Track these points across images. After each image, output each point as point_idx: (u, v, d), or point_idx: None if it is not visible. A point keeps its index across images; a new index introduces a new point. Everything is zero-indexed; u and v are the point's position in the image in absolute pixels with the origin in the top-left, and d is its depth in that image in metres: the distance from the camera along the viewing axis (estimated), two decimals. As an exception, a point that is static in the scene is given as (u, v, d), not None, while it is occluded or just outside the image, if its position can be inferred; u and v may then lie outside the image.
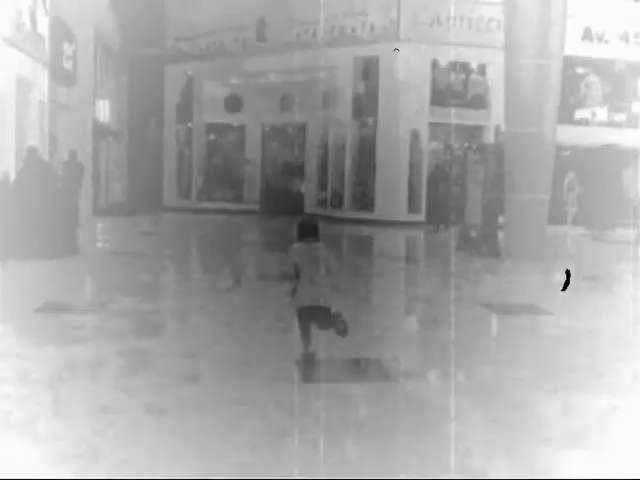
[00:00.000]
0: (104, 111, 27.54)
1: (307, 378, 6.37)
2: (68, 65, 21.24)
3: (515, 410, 5.69)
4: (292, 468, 4.39)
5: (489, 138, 25.34)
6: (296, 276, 6.67)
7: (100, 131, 26.67)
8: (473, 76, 25.63)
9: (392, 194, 24.73)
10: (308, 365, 6.62)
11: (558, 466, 4.69)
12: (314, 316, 6.65)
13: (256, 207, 28.63)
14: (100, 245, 17.19)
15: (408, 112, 24.47)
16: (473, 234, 16.08)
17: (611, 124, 27.12)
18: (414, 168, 24.97)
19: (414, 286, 12.69)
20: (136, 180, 32.50)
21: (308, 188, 28.09)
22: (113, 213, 26.68)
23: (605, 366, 7.02)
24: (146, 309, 9.13)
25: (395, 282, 12.93)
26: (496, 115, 24.96)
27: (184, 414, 5.31)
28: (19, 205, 12.71)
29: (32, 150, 13.82)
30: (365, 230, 23.01)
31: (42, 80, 18.42)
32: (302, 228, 6.78)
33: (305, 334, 6.70)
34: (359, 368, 6.93)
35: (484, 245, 15.55)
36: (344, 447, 4.80)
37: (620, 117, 27.52)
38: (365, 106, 25.42)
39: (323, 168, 27.39)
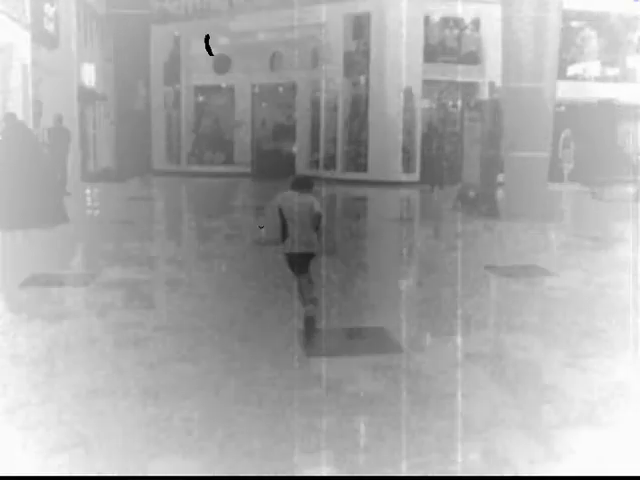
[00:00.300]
0: (89, 75, 26.88)
1: (310, 352, 6.08)
2: (50, 27, 20.56)
3: (529, 383, 5.38)
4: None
5: (484, 95, 24.88)
6: (282, 224, 6.67)
7: (86, 95, 26.03)
8: (467, 32, 25.06)
9: (385, 154, 24.28)
10: (310, 334, 6.51)
11: (574, 443, 4.39)
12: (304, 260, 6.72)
13: (247, 169, 28.13)
14: (89, 213, 16.68)
15: (400, 69, 23.92)
16: (471, 194, 15.70)
17: (605, 79, 26.66)
18: (407, 127, 24.47)
19: (411, 248, 12.33)
20: (124, 144, 31.92)
21: (300, 149, 27.60)
22: (102, 178, 26.18)
23: (614, 329, 6.73)
24: (136, 279, 8.76)
25: (392, 244, 12.58)
26: (490, 71, 24.75)
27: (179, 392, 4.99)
28: (1, 173, 12.24)
29: (10, 116, 13.25)
30: (359, 191, 22.58)
31: (24, 43, 17.79)
32: (297, 183, 6.78)
33: (302, 285, 6.73)
34: (362, 339, 6.63)
35: (483, 205, 15.19)
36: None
37: (614, 71, 27.05)
38: (357, 64, 24.83)
39: (315, 129, 26.86)
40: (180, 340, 6.26)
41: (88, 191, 21.87)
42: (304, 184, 6.75)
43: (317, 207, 6.63)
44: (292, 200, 6.61)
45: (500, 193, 15.37)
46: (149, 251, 11.02)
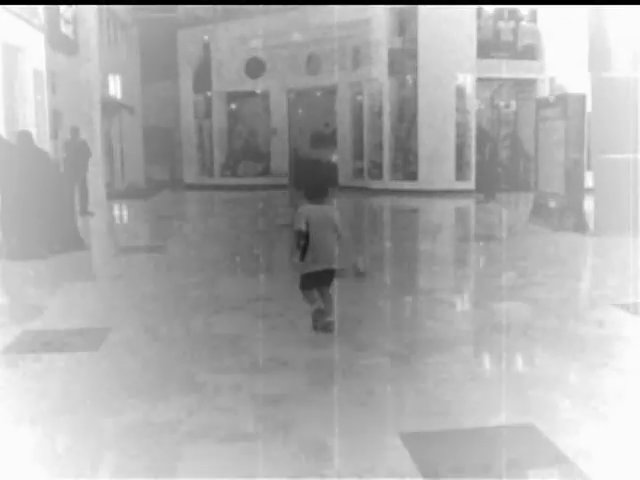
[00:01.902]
0: (114, 84, 25.08)
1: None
2: (67, 30, 18.71)
3: None
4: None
5: (544, 92, 22.60)
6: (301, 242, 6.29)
7: (110, 106, 24.24)
8: (523, 23, 22.78)
9: (437, 160, 22.08)
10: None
11: None
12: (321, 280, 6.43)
13: (285, 181, 26.06)
14: (109, 237, 14.59)
15: (452, 67, 21.74)
16: (552, 204, 13.41)
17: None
18: (460, 130, 22.28)
19: (496, 278, 9.92)
20: (153, 158, 30.22)
21: (342, 158, 25.48)
22: (129, 195, 24.36)
23: None
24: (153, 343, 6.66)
25: (465, 271, 10.34)
26: (550, 66, 22.48)
27: None
28: (9, 198, 10.26)
29: (24, 135, 11.19)
30: (409, 201, 20.45)
31: (36, 47, 15.88)
32: (310, 192, 6.43)
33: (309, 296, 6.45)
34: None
35: (568, 217, 12.90)
36: None
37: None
38: (403, 63, 22.57)
39: (357, 135, 24.76)
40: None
41: (113, 210, 19.96)
42: (319, 192, 6.39)
43: (336, 219, 6.36)
44: (314, 214, 6.27)
45: (587, 203, 13.10)
46: (179, 293, 8.83)
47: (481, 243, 12.31)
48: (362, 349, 5.90)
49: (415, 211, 18.85)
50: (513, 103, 24.92)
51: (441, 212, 18.81)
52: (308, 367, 5.53)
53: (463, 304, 8.01)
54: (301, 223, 6.21)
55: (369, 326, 6.75)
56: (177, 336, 6.43)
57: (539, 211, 14.05)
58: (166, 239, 13.09)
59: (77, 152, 16.42)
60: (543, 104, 14.27)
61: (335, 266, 6.41)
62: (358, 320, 6.92)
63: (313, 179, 6.70)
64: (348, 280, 7.89)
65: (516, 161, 24.14)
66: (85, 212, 17.01)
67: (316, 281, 6.41)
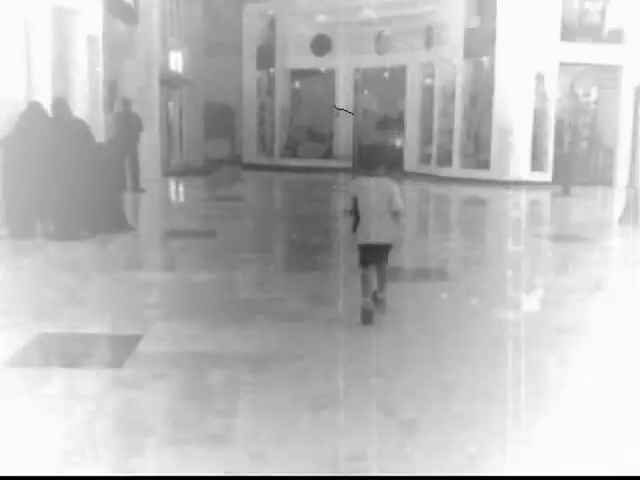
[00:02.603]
0: (175, 57, 24.19)
1: None
2: (128, -2, 17.80)
3: None
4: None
5: (631, 80, 20.98)
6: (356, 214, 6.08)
7: (171, 80, 23.34)
8: (612, 4, 21.10)
9: (512, 149, 20.62)
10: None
11: None
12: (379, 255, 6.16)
13: (348, 164, 24.84)
14: (160, 218, 13.51)
15: (533, 50, 20.24)
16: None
17: None
18: (539, 118, 20.79)
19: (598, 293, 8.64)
20: (213, 135, 29.31)
21: (409, 143, 24.19)
22: (187, 172, 23.49)
23: None
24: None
25: (556, 278, 9.05)
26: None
27: None
28: (44, 175, 9.30)
29: (59, 104, 10.15)
30: (479, 192, 19.13)
31: (93, 12, 14.92)
32: (365, 162, 6.44)
33: (366, 281, 6.09)
34: None
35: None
36: None
37: None
38: (479, 44, 21.10)
39: (427, 119, 23.41)
40: None
41: (168, 188, 19.07)
42: (374, 163, 6.11)
43: (397, 197, 5.98)
44: (367, 186, 6.03)
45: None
46: (228, 286, 7.74)
47: (569, 244, 10.96)
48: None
49: (486, 203, 17.55)
50: (594, 91, 23.30)
51: (516, 205, 17.41)
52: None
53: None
54: (353, 191, 6.11)
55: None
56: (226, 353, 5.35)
57: (632, 210, 12.63)
58: (219, 223, 12.04)
59: (128, 125, 15.51)
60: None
61: (390, 241, 6.14)
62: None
63: (369, 150, 6.61)
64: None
65: (595, 154, 22.57)
66: (137, 188, 16.15)
67: (369, 255, 6.10)
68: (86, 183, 9.41)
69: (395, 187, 6.02)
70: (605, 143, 22.48)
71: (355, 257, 6.16)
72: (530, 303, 6.99)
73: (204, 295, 7.03)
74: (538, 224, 13.95)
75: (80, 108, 13.00)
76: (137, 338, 5.39)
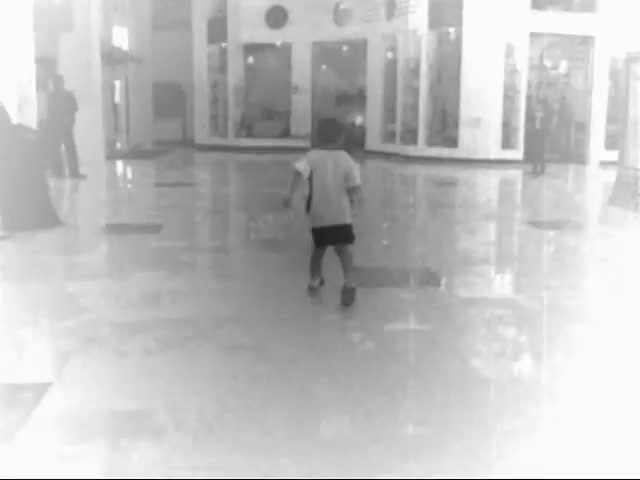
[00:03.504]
0: (119, 32, 22.48)
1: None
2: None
3: None
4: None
5: (598, 53, 19.93)
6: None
7: (116, 57, 21.67)
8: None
9: (481, 126, 19.40)
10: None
11: None
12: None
13: (306, 143, 23.38)
14: (96, 211, 11.78)
15: (502, 19, 18.99)
16: (644, 182, 10.83)
17: None
18: (509, 92, 19.58)
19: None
20: (163, 115, 27.68)
21: (371, 119, 22.85)
22: (134, 155, 21.89)
23: None
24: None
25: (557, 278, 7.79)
26: (610, 22, 19.61)
27: None
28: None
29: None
30: (447, 171, 17.91)
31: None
32: (320, 135, 5.66)
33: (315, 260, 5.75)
34: None
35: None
36: None
37: None
38: (446, 13, 19.76)
39: (390, 95, 22.02)
40: None
41: (111, 173, 17.49)
42: (328, 135, 5.56)
43: (355, 172, 5.46)
44: (322, 159, 5.47)
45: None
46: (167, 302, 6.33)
47: (564, 232, 9.70)
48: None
49: (457, 183, 16.28)
50: (563, 64, 22.16)
51: (491, 186, 16.24)
52: None
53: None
54: (300, 162, 5.44)
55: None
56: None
57: (624, 191, 11.45)
58: (165, 214, 10.56)
59: (61, 105, 13.92)
60: (636, 59, 11.57)
61: (347, 221, 5.59)
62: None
63: (325, 123, 5.89)
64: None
65: (566, 129, 21.46)
66: (75, 174, 14.61)
67: (324, 239, 5.65)
68: (2, 172, 7.88)
69: (352, 162, 5.52)
70: (576, 118, 21.42)
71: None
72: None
73: (131, 318, 5.59)
74: (520, 208, 12.71)
75: (9, 89, 11.47)
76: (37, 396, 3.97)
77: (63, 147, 14.37)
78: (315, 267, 5.79)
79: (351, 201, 5.54)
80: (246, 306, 5.83)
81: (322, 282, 5.94)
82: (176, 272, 6.86)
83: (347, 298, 5.61)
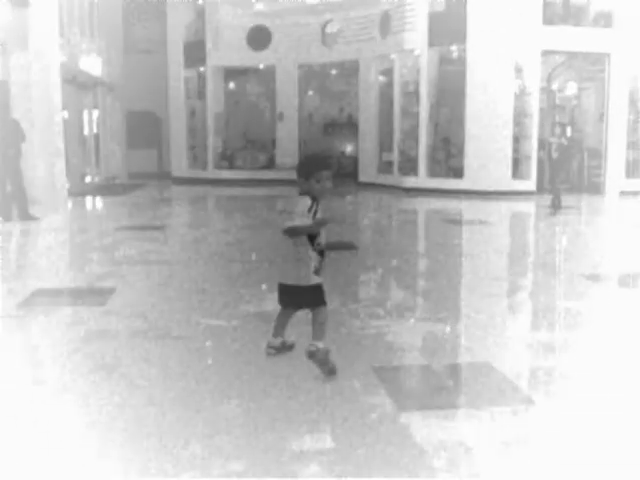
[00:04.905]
0: (87, 55, 20.54)
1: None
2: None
3: None
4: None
5: (615, 71, 18.06)
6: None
7: (82, 81, 19.68)
8: (600, -18, 18.13)
9: (489, 154, 17.45)
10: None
11: None
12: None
13: (293, 176, 21.30)
14: (30, 272, 9.23)
15: (511, 37, 17.13)
16: None
17: None
18: (519, 116, 17.68)
19: None
20: (137, 146, 25.67)
21: (365, 149, 20.89)
22: (103, 191, 19.82)
23: None
24: None
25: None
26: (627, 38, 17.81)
27: None
28: None
29: None
30: (451, 205, 15.99)
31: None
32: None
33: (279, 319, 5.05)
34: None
35: None
36: None
37: None
38: (448, 30, 17.86)
39: (385, 121, 20.17)
40: None
41: (72, 213, 15.32)
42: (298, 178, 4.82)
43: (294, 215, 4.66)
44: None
45: None
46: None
47: (631, 290, 7.56)
48: None
49: (471, 222, 14.01)
50: (573, 85, 20.29)
51: (511, 224, 14.21)
52: None
53: None
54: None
55: None
56: None
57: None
58: (121, 274, 8.30)
59: (5, 135, 11.82)
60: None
61: (314, 282, 4.68)
62: None
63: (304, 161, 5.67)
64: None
65: (579, 156, 19.53)
66: (24, 216, 12.52)
67: (288, 299, 4.86)
68: None
69: (302, 203, 4.67)
70: (588, 145, 19.53)
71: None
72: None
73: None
74: (563, 257, 10.41)
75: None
76: None
77: (8, 185, 12.27)
78: (277, 326, 5.07)
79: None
80: None
81: (291, 346, 5.11)
82: (112, 391, 4.61)
83: (318, 362, 4.65)
